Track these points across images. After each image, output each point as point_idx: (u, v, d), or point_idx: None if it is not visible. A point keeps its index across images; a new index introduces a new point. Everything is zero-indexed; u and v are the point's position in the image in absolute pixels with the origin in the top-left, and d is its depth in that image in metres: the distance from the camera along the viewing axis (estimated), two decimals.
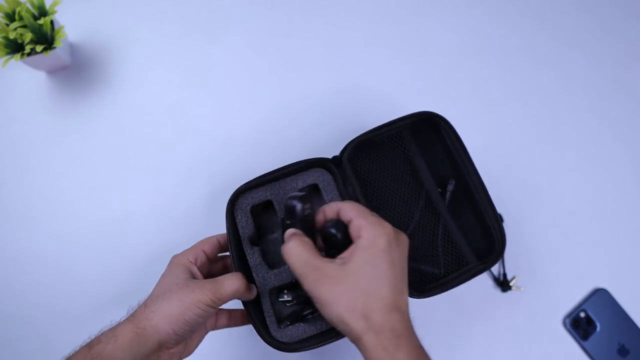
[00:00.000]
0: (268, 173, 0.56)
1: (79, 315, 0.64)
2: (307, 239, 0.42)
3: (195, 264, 0.48)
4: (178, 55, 0.77)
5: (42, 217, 0.69)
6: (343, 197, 0.56)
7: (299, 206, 0.44)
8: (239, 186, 0.55)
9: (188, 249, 0.50)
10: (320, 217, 0.46)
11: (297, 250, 0.41)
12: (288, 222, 0.45)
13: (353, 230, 0.42)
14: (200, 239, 0.52)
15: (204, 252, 0.50)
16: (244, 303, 0.52)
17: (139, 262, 0.66)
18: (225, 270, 0.55)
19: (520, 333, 0.65)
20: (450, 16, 0.80)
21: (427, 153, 0.63)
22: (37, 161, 0.71)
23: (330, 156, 0.58)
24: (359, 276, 0.39)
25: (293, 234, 0.43)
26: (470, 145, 0.73)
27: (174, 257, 0.49)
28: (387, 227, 0.42)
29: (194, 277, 0.47)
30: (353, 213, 0.42)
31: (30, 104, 0.74)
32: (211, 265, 0.53)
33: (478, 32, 0.79)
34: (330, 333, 0.50)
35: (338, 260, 0.40)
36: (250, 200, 0.56)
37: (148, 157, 0.72)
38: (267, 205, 0.57)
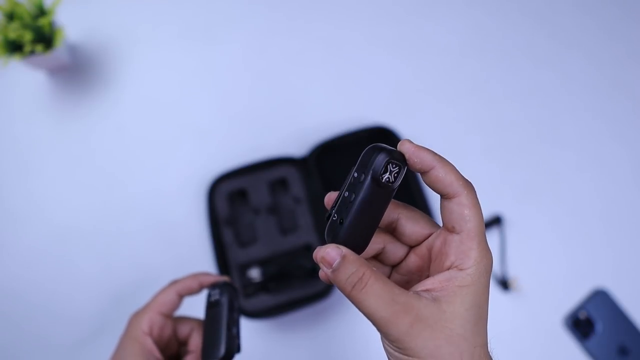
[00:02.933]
0: (246, 166, 0.66)
1: (78, 315, 0.64)
2: (378, 272, 0.29)
3: (151, 334, 0.43)
4: (178, 55, 0.77)
5: (42, 216, 0.69)
6: (307, 190, 0.66)
7: (382, 158, 0.30)
8: (218, 173, 0.66)
9: (144, 310, 0.44)
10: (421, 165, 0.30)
11: (376, 289, 0.28)
12: (355, 174, 0.31)
13: (453, 244, 0.30)
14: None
15: (162, 315, 0.44)
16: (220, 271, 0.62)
17: (140, 261, 0.66)
18: (190, 334, 0.46)
19: (520, 333, 0.65)
20: (450, 16, 0.80)
21: None
22: (37, 161, 0.71)
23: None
24: (465, 321, 0.30)
25: (365, 273, 0.28)
26: (470, 144, 0.73)
27: (130, 324, 0.44)
28: (491, 254, 0.31)
29: (152, 354, 0.42)
30: (474, 222, 0.29)
31: (30, 104, 0.74)
32: (176, 324, 0.46)
33: (478, 32, 0.79)
34: (290, 305, 0.60)
35: (425, 294, 0.30)
36: (228, 187, 0.66)
37: (147, 156, 0.72)
38: (242, 193, 0.67)
